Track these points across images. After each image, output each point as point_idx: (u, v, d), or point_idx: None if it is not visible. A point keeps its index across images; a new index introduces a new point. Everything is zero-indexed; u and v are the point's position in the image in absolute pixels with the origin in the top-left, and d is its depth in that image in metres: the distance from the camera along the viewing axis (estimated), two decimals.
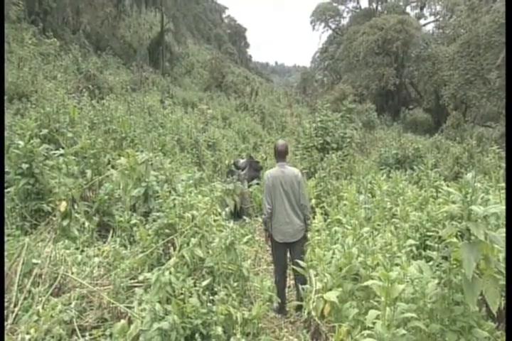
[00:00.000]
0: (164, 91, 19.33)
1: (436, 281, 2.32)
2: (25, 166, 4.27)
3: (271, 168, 3.97)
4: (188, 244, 3.27)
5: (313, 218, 3.82)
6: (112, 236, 4.25)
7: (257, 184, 8.55)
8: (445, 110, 26.40)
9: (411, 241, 3.22)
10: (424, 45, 31.86)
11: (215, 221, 3.55)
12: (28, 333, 2.52)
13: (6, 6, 12.33)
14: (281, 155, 3.89)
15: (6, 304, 2.72)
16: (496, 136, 17.52)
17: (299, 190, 3.75)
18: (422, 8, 38.13)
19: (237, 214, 6.50)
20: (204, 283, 2.81)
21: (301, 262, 3.46)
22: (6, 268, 2.87)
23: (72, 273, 3.17)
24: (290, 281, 4.42)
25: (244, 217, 5.98)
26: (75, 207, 3.77)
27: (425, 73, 30.08)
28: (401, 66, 32.15)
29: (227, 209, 3.68)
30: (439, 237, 2.90)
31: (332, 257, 3.18)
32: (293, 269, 3.80)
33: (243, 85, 29.80)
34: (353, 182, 6.42)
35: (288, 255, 3.96)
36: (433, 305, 2.31)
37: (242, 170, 8.51)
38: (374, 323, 2.29)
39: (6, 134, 5.15)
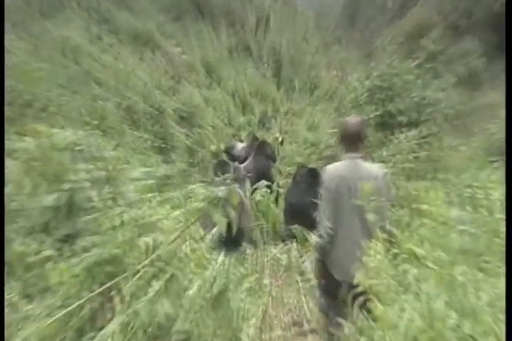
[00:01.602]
0: (100, 20, 9.75)
1: None
2: None
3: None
4: (145, 293, 2.12)
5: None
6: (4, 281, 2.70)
7: (268, 187, 5.26)
8: None
9: None
10: None
11: (193, 251, 2.26)
12: None
13: None
14: (351, 140, 2.52)
15: None
16: None
17: (380, 202, 2.15)
18: None
19: (232, 240, 3.99)
20: None
21: None
22: None
23: None
24: None
25: (245, 245, 4.16)
26: None
27: None
28: None
29: (214, 230, 2.47)
30: None
31: (400, 316, 2.01)
32: None
33: (243, 10, 15.97)
34: (438, 184, 4.51)
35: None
36: None
37: (242, 161, 5.86)
38: None
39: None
